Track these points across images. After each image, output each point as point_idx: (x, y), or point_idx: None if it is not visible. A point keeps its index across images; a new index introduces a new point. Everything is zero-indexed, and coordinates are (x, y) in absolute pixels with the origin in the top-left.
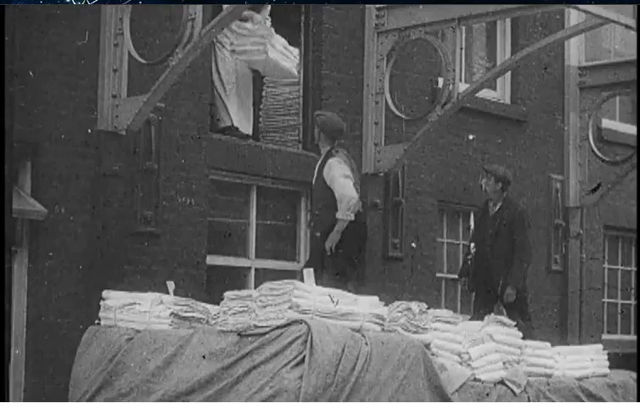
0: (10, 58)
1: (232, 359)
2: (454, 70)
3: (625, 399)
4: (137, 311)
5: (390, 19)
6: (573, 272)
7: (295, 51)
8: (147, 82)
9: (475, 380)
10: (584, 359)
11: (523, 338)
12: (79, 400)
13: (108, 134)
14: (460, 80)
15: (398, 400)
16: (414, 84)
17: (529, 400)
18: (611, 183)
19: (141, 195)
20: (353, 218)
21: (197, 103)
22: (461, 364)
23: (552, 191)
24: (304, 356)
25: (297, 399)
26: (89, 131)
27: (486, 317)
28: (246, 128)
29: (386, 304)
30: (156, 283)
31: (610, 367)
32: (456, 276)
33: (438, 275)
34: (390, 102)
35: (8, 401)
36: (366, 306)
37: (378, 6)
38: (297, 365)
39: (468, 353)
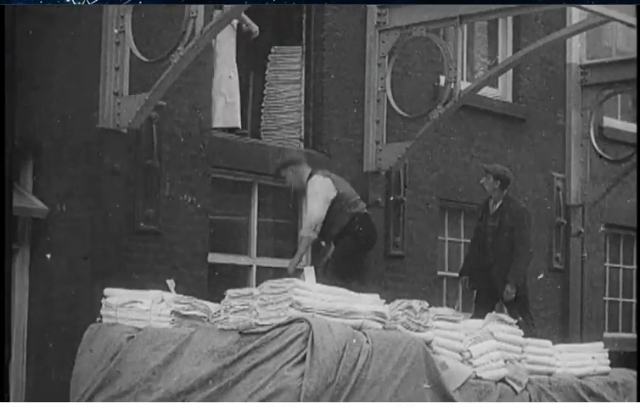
0: (11, 57)
1: (233, 358)
2: (456, 69)
3: (626, 398)
4: (138, 309)
5: (392, 17)
6: (574, 270)
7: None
8: (148, 80)
9: (477, 378)
10: (585, 358)
11: (524, 336)
12: (80, 398)
13: (109, 132)
14: (462, 79)
15: (399, 398)
16: (416, 82)
17: (530, 398)
18: (613, 181)
19: (142, 193)
20: (315, 237)
21: (198, 101)
22: (462, 362)
23: (554, 189)
24: (305, 354)
25: (298, 398)
26: (90, 129)
27: (487, 315)
28: (234, 121)
29: (387, 302)
30: (157, 281)
31: (611, 365)
32: (457, 274)
33: (439, 273)
34: (391, 100)
35: (8, 401)
36: (367, 304)
37: (379, 4)
38: (298, 363)
39: (469, 351)
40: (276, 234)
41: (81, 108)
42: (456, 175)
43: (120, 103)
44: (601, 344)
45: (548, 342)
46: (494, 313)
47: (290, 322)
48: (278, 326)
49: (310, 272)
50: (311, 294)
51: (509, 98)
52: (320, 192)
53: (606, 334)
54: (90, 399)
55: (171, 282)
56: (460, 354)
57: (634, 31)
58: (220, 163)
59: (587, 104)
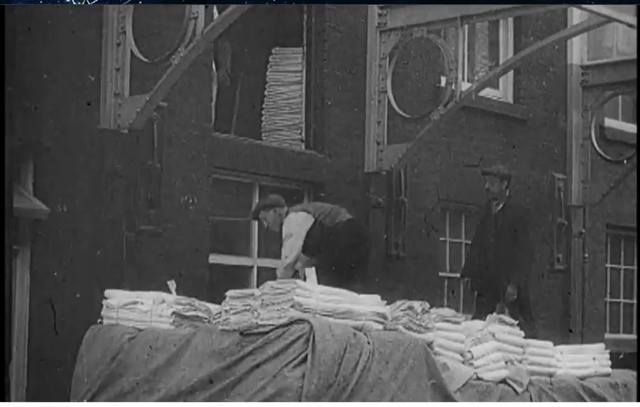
0: (11, 58)
1: (234, 359)
2: (456, 69)
3: (627, 399)
4: (138, 310)
5: (393, 17)
6: (575, 271)
7: None
8: (149, 81)
9: (477, 379)
10: (586, 359)
11: (525, 337)
12: (81, 399)
13: (110, 133)
14: (462, 79)
15: (400, 399)
16: (417, 83)
17: (531, 399)
18: (614, 182)
19: (143, 194)
20: (290, 274)
21: (199, 101)
22: (463, 363)
23: (555, 190)
24: (306, 355)
25: (299, 399)
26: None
27: (489, 316)
28: None
29: (388, 303)
30: (158, 282)
31: (613, 367)
32: (458, 275)
33: (440, 274)
34: (392, 101)
35: (9, 401)
36: (368, 305)
37: (380, 5)
38: (299, 364)
39: (470, 352)
40: (277, 235)
41: (82, 108)
42: (456, 175)
43: (121, 103)
44: (602, 345)
45: (549, 344)
46: (495, 314)
47: (291, 323)
48: (280, 326)
49: (311, 273)
50: (313, 295)
51: (510, 99)
52: (295, 230)
53: (607, 335)
54: (91, 400)
55: (171, 283)
56: (461, 354)
57: (635, 32)
58: (221, 164)
59: (588, 105)
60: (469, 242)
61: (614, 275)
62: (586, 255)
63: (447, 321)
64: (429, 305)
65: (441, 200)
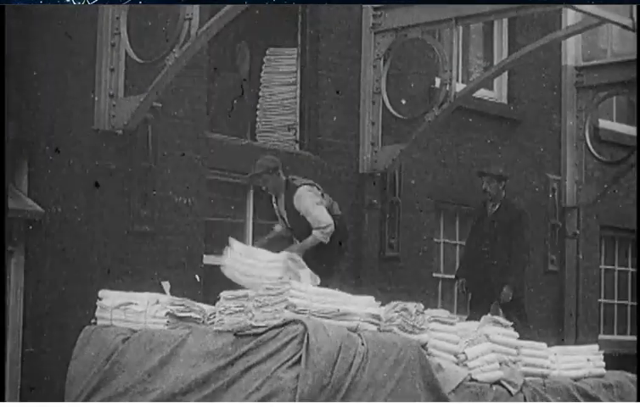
0: (7, 58)
1: (229, 360)
2: (451, 70)
3: (621, 400)
4: (133, 311)
5: (387, 18)
6: (569, 272)
7: None
8: (144, 82)
9: (472, 380)
10: (580, 360)
11: (519, 339)
12: (75, 400)
13: (105, 133)
14: (457, 80)
15: (394, 400)
16: (411, 84)
17: (525, 400)
18: (608, 183)
19: (137, 194)
20: (327, 242)
21: (194, 102)
22: (457, 364)
23: (549, 191)
24: (300, 356)
25: (293, 399)
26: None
27: (483, 317)
28: None
29: (383, 304)
30: (152, 283)
31: (606, 368)
32: (452, 276)
33: (435, 275)
34: (386, 102)
35: (4, 401)
36: (362, 306)
37: (375, 6)
38: (293, 365)
39: (464, 353)
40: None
41: (76, 109)
42: (451, 176)
43: (115, 104)
44: (596, 346)
45: (543, 345)
46: (489, 315)
47: (285, 324)
48: (274, 327)
49: (305, 274)
50: (307, 296)
51: (505, 100)
52: (319, 200)
53: (601, 336)
54: (85, 401)
55: (166, 284)
56: (455, 356)
57: (629, 33)
58: (215, 165)
59: (583, 106)
60: (463, 243)
61: (609, 276)
62: (581, 256)
63: (441, 322)
64: (423, 306)
65: (435, 201)
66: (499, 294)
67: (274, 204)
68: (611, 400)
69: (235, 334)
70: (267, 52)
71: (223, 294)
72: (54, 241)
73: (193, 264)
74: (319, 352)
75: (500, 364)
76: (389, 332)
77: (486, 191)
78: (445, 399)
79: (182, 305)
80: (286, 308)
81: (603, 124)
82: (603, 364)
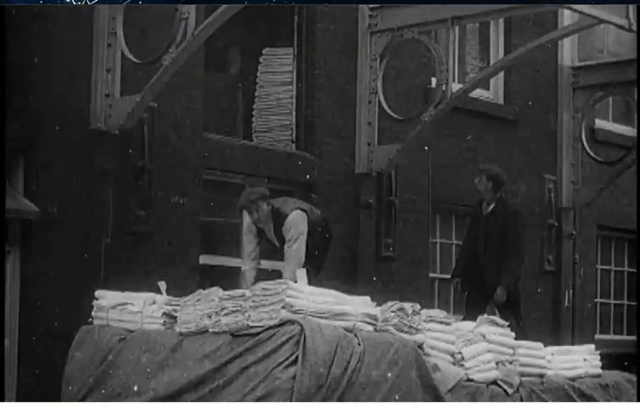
0: (5, 58)
1: (225, 360)
2: (447, 70)
3: (617, 400)
4: (129, 311)
5: (383, 19)
6: (566, 272)
7: None
8: (140, 82)
9: (468, 380)
10: (577, 360)
11: (515, 338)
12: (71, 399)
13: (101, 133)
14: (453, 80)
15: (391, 400)
16: (407, 84)
17: (521, 400)
18: (604, 183)
19: (133, 195)
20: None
21: (190, 102)
22: (454, 364)
23: (545, 191)
24: (297, 356)
25: (290, 399)
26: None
27: (479, 318)
28: None
29: (379, 304)
30: (149, 283)
31: (603, 368)
32: (449, 276)
33: (431, 275)
34: (383, 102)
35: (3, 401)
36: (359, 306)
37: (371, 6)
38: (290, 365)
39: (460, 353)
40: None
41: (72, 109)
42: (447, 176)
43: (111, 104)
44: (592, 346)
45: (540, 345)
46: (486, 315)
47: (282, 324)
48: (270, 327)
49: (302, 274)
50: (303, 296)
51: (501, 100)
52: (305, 229)
53: (598, 336)
54: (82, 401)
55: (162, 284)
56: (452, 356)
57: (625, 33)
58: (211, 164)
59: (579, 106)
60: (460, 243)
61: (605, 276)
62: (577, 256)
63: (438, 322)
64: (419, 306)
65: (432, 201)
66: (494, 295)
67: (263, 230)
68: (608, 400)
69: (232, 334)
70: (263, 52)
71: (220, 294)
72: (50, 240)
73: (189, 263)
74: (316, 352)
75: (496, 364)
76: (385, 332)
77: (478, 190)
78: (441, 399)
79: (179, 305)
80: (283, 308)
81: (600, 124)
82: (600, 364)
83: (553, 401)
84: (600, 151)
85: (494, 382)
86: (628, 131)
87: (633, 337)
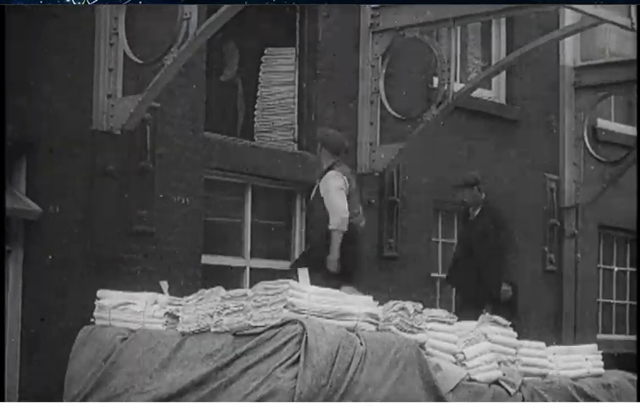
0: (5, 58)
1: (227, 360)
2: (449, 70)
3: (619, 399)
4: (131, 311)
5: (385, 18)
6: (568, 272)
7: None
8: (142, 82)
9: (470, 380)
10: (579, 359)
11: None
12: (73, 400)
13: (103, 133)
14: (455, 80)
15: (392, 400)
16: (409, 83)
17: (523, 400)
18: (606, 183)
19: (136, 194)
20: (346, 229)
21: (192, 102)
22: (456, 364)
23: (547, 190)
24: (299, 356)
25: (292, 399)
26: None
27: (481, 317)
28: None
29: (381, 304)
30: (151, 283)
31: (605, 367)
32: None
33: (433, 274)
34: (385, 101)
35: (4, 401)
36: (360, 306)
37: (373, 5)
38: (292, 364)
39: (463, 353)
40: (270, 235)
41: (74, 109)
42: (449, 176)
43: (113, 104)
44: (594, 346)
45: (542, 344)
46: (487, 314)
47: (284, 324)
48: (272, 327)
49: (304, 274)
50: (305, 296)
51: (503, 100)
52: (335, 186)
53: (599, 336)
54: (83, 401)
55: (164, 284)
56: (454, 355)
57: (627, 33)
58: (213, 164)
59: (581, 106)
60: None
61: (607, 275)
62: (579, 256)
63: (440, 322)
64: (421, 306)
65: (434, 201)
66: (497, 292)
67: None
68: (610, 400)
69: (234, 334)
70: (265, 51)
71: (222, 294)
72: (52, 240)
73: (191, 263)
74: (318, 352)
75: (499, 363)
76: (387, 332)
77: (464, 201)
78: (443, 399)
79: (181, 305)
80: (285, 307)
81: (602, 123)
82: (602, 363)
83: (556, 401)
84: (602, 150)
85: (496, 382)
86: (630, 130)
87: (635, 337)
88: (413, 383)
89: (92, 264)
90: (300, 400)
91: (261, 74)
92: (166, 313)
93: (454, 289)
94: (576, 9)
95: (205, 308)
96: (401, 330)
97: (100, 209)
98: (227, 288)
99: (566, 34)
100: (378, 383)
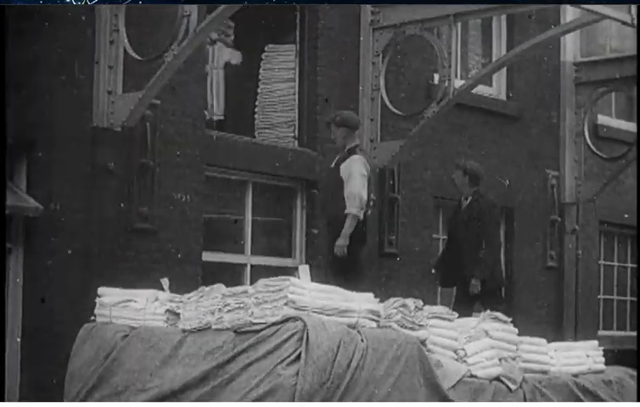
0: (5, 56)
1: (228, 356)
2: (450, 67)
3: (620, 396)
4: (132, 308)
5: (386, 15)
6: (569, 268)
7: None
8: (142, 79)
9: (471, 376)
10: (580, 356)
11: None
12: (74, 397)
13: (103, 131)
14: (456, 77)
15: (393, 397)
16: (410, 80)
17: (524, 397)
18: (607, 179)
19: (136, 191)
20: (362, 217)
21: (192, 99)
22: (457, 360)
23: (548, 187)
24: (300, 353)
25: (293, 396)
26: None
27: (482, 313)
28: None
29: (382, 301)
30: (152, 280)
31: (606, 363)
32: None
33: (433, 271)
34: (385, 98)
35: (4, 401)
36: (361, 303)
37: (374, 3)
38: (293, 361)
39: (463, 349)
40: (270, 232)
41: (75, 106)
42: (450, 172)
43: (114, 101)
44: (595, 342)
45: (543, 341)
46: (488, 311)
47: (285, 321)
48: (273, 324)
49: (305, 270)
50: (306, 292)
51: (503, 96)
52: (359, 171)
53: (600, 332)
54: (84, 399)
55: (165, 281)
56: (455, 352)
57: (628, 29)
58: (214, 161)
59: (581, 102)
60: None
61: (608, 272)
62: (580, 252)
63: (440, 319)
64: (422, 303)
65: (434, 197)
66: (467, 287)
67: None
68: (611, 396)
69: (235, 331)
70: (266, 48)
71: (223, 291)
72: (53, 238)
73: (191, 260)
74: (319, 348)
75: (499, 360)
76: (388, 329)
77: (453, 180)
78: (444, 396)
79: (181, 302)
80: (286, 304)
81: (602, 120)
82: (603, 359)
83: (556, 398)
84: (603, 147)
85: (497, 379)
86: (631, 126)
87: (636, 333)
88: (414, 380)
89: (92, 261)
90: (301, 397)
91: (261, 70)
92: (167, 310)
93: (437, 275)
94: (577, 6)
95: (206, 305)
96: (402, 327)
97: (100, 206)
98: (227, 285)
99: (567, 30)
100: (379, 380)
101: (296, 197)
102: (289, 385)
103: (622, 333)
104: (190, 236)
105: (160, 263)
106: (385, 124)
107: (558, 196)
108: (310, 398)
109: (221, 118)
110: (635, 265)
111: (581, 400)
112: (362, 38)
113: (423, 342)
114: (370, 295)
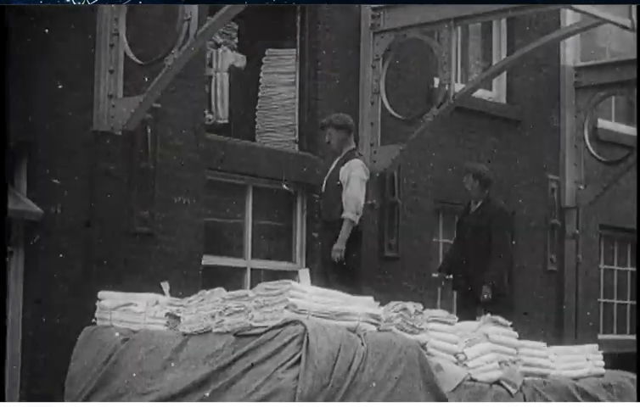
0: (6, 58)
1: (228, 360)
2: (450, 70)
3: (620, 399)
4: (132, 312)
5: (386, 19)
6: (569, 272)
7: None
8: (143, 83)
9: (471, 380)
10: (580, 359)
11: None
12: (75, 400)
13: (104, 134)
14: (456, 81)
15: (394, 400)
16: (410, 84)
17: (524, 400)
18: (607, 183)
19: (137, 195)
20: (357, 223)
21: (193, 103)
22: (457, 364)
23: (548, 191)
24: (300, 357)
25: (293, 400)
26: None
27: (482, 317)
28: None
29: (382, 304)
30: (152, 283)
31: (606, 367)
32: (451, 276)
33: (434, 275)
34: (385, 102)
35: (4, 401)
36: (362, 306)
37: (373, 6)
38: (293, 365)
39: (464, 353)
40: (270, 236)
41: (75, 110)
42: (450, 176)
43: (114, 105)
44: (596, 346)
45: (543, 344)
46: (489, 315)
47: (285, 324)
48: (273, 328)
49: (305, 274)
50: (306, 296)
51: (503, 100)
52: (359, 175)
53: (601, 336)
54: (85, 401)
55: (165, 285)
56: (455, 355)
57: (628, 33)
58: (214, 165)
59: (581, 106)
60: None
61: (608, 276)
62: (580, 256)
63: (441, 322)
64: (422, 306)
65: (435, 201)
66: (479, 293)
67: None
68: (611, 400)
69: (235, 335)
70: (266, 52)
71: (223, 294)
72: (53, 241)
73: (192, 264)
74: (319, 352)
75: (499, 363)
76: (388, 332)
77: (464, 184)
78: (444, 399)
79: (182, 306)
80: (286, 308)
81: (602, 124)
82: (603, 363)
83: (557, 401)
84: (603, 151)
85: (497, 382)
86: (631, 130)
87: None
88: (415, 384)
89: (93, 265)
90: (301, 400)
91: (261, 74)
92: (167, 313)
93: (443, 279)
94: (577, 10)
95: (207, 308)
96: (402, 330)
97: (101, 209)
98: (227, 289)
99: (567, 34)
100: (379, 383)
101: (297, 201)
102: (289, 388)
103: (622, 337)
104: (191, 240)
105: (161, 266)
106: (385, 127)
107: (558, 200)
108: (310, 402)
109: (226, 122)
110: (635, 269)
111: None
112: (362, 42)
113: (423, 346)
114: (370, 299)
